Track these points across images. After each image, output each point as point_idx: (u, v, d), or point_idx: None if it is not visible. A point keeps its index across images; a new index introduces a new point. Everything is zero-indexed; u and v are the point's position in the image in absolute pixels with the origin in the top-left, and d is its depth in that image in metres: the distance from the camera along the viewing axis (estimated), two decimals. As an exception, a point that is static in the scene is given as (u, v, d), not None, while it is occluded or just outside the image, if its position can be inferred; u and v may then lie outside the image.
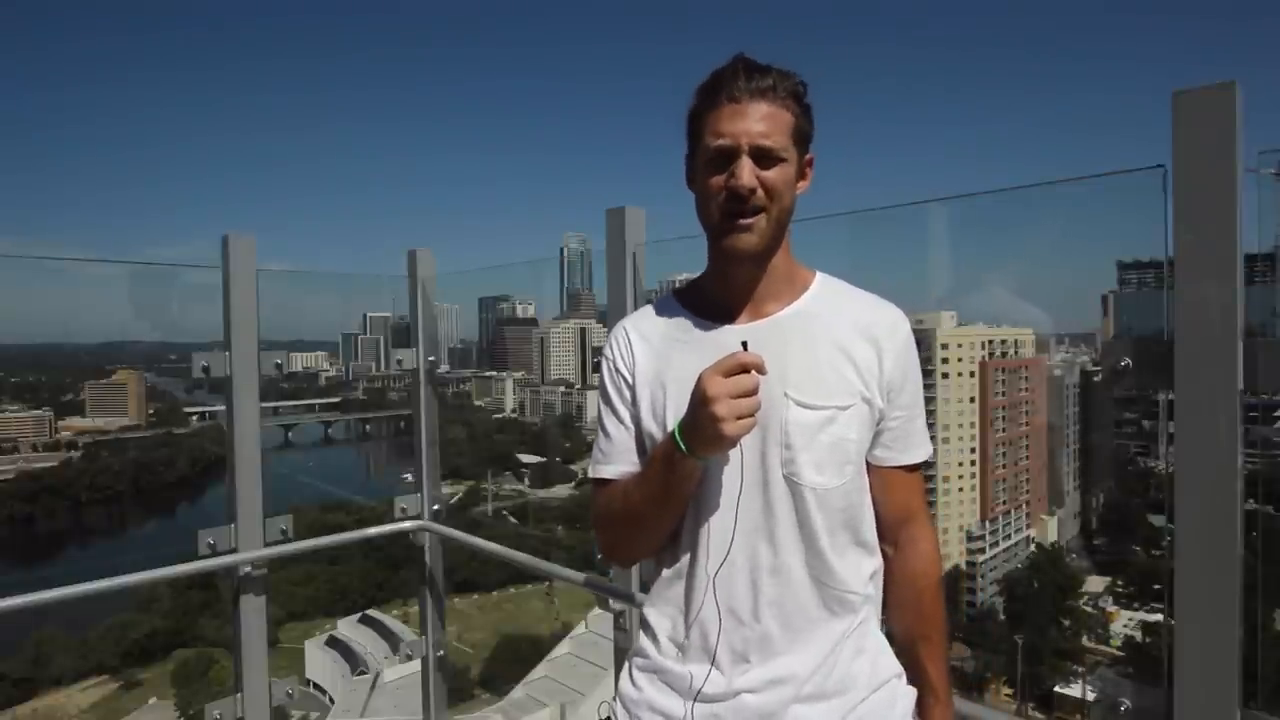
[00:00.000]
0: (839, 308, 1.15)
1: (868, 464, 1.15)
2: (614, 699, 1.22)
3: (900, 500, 1.18)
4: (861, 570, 1.14)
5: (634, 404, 1.18)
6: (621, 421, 1.19)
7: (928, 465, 1.23)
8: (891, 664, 1.16)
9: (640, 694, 1.16)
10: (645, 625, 1.20)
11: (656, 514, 1.11)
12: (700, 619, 1.11)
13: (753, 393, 0.97)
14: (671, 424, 1.05)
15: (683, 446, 1.01)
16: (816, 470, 1.08)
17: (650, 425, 1.15)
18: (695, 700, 1.10)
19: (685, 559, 1.13)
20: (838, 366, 1.10)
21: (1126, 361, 1.24)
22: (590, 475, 1.23)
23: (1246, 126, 1.08)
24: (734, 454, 1.07)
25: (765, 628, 1.08)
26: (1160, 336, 1.19)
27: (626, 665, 1.22)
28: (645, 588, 2.04)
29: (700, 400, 0.97)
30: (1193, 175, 1.12)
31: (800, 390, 1.09)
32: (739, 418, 0.96)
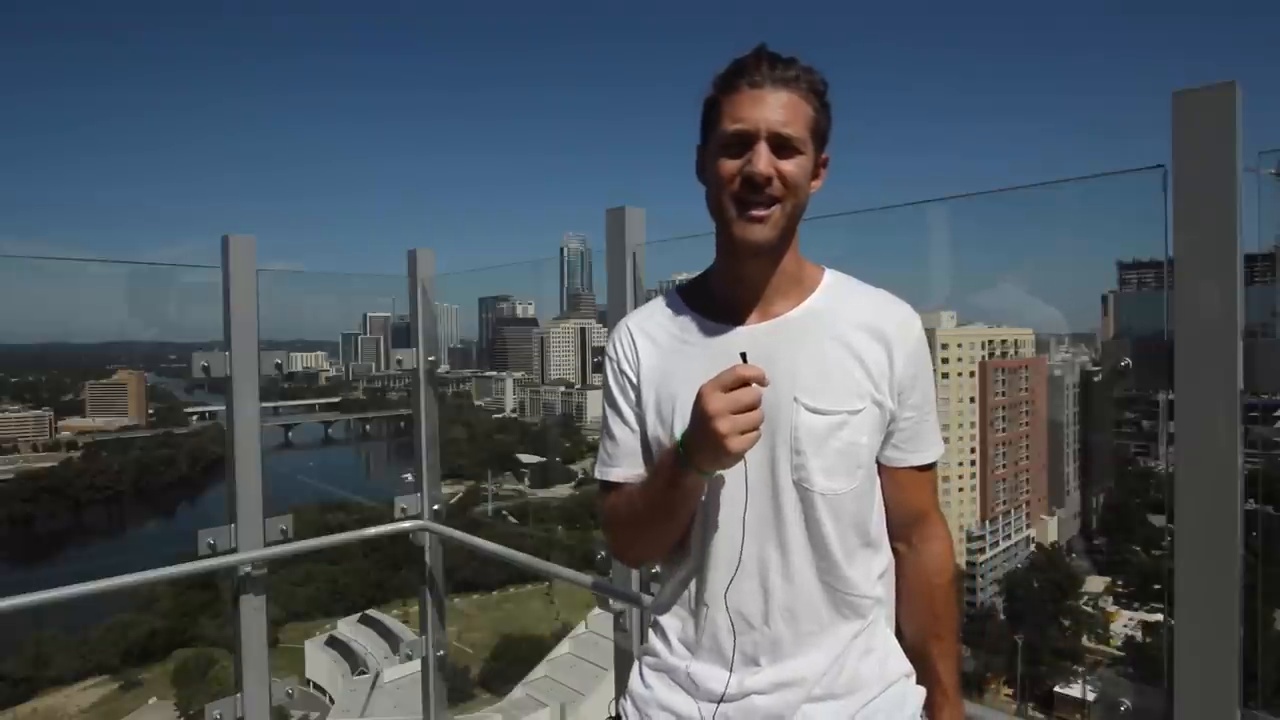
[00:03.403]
0: (848, 306, 1.13)
1: (879, 464, 1.14)
2: (624, 696, 1.22)
3: (912, 500, 1.17)
4: (871, 571, 1.13)
5: (639, 406, 1.16)
6: (626, 424, 1.18)
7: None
8: (900, 663, 1.15)
9: (650, 692, 1.16)
10: (656, 625, 1.20)
11: (663, 523, 1.10)
12: (711, 622, 1.10)
13: (754, 406, 0.95)
14: (680, 430, 1.03)
15: (687, 462, 0.99)
16: (826, 476, 1.07)
17: (658, 430, 1.13)
18: (704, 700, 1.09)
19: (695, 562, 1.13)
20: (848, 368, 1.09)
21: (1126, 361, 1.24)
22: (596, 477, 1.22)
23: (1246, 126, 1.08)
24: (743, 467, 1.04)
25: (776, 632, 1.08)
26: (1160, 336, 1.19)
27: (636, 664, 1.22)
28: (646, 586, 2.04)
29: (702, 418, 0.94)
30: (1192, 175, 1.12)
31: (810, 394, 1.07)
32: (742, 433, 0.94)
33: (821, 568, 1.09)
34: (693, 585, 1.13)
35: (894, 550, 1.18)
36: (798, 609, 1.08)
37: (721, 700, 1.08)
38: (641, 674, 1.19)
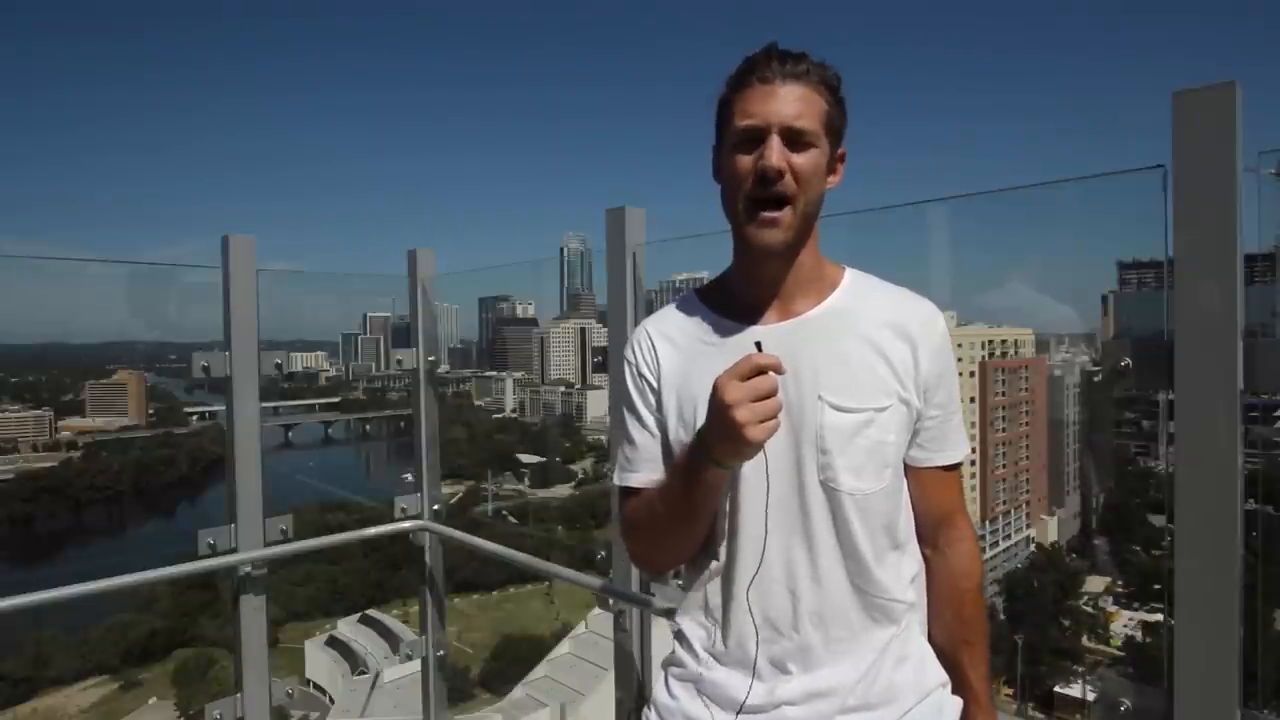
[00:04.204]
0: (870, 304, 1.11)
1: (904, 465, 1.12)
2: (649, 707, 1.19)
3: (938, 501, 1.15)
4: (902, 574, 1.11)
5: (660, 410, 1.14)
6: (646, 427, 1.15)
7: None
8: (937, 672, 1.13)
9: (676, 703, 1.13)
10: (680, 635, 1.17)
11: (684, 526, 1.08)
12: (736, 629, 1.08)
13: (772, 394, 0.92)
14: None
15: (707, 456, 0.97)
16: (854, 475, 1.05)
17: (680, 433, 1.11)
18: (731, 710, 1.07)
19: (718, 568, 1.10)
20: (872, 366, 1.07)
21: (1126, 361, 1.24)
22: (615, 483, 1.19)
23: (1246, 126, 1.08)
24: (763, 459, 1.01)
25: (805, 638, 1.06)
26: (1160, 336, 1.18)
27: (662, 674, 1.19)
28: (647, 587, 2.04)
29: (720, 408, 0.91)
30: (1192, 175, 1.12)
31: (835, 392, 1.05)
32: (761, 421, 0.91)
33: (851, 570, 1.06)
34: (717, 590, 1.11)
35: (921, 554, 1.16)
36: (827, 614, 1.06)
37: (752, 711, 1.06)
38: (667, 684, 1.17)
